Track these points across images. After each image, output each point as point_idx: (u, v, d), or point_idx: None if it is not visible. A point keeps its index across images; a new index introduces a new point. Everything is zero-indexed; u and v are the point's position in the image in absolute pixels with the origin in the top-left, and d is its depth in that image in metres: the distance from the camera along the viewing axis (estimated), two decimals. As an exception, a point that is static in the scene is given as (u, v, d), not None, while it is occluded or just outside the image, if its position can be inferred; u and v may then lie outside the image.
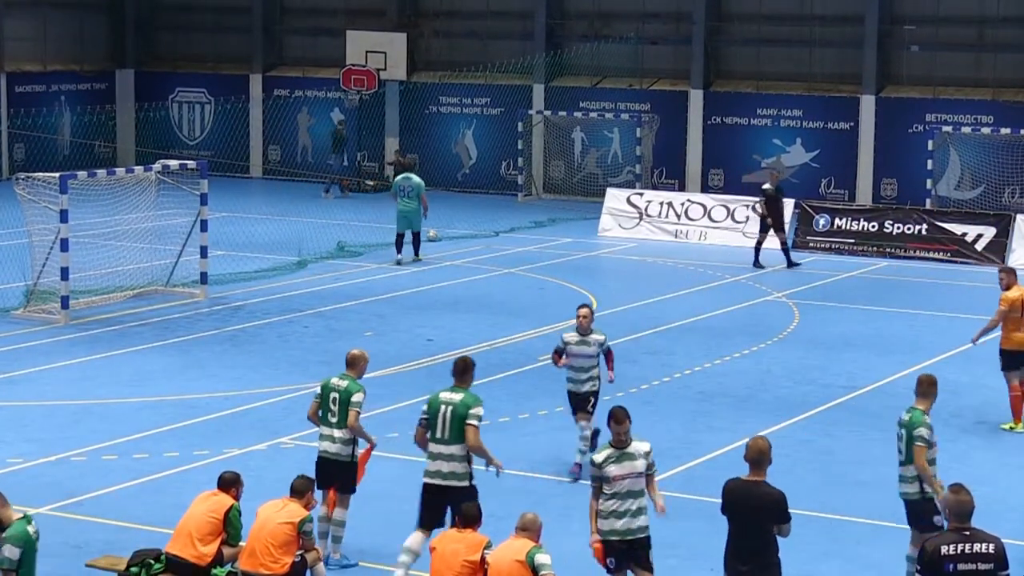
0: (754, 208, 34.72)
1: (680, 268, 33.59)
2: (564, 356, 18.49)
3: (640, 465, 13.48)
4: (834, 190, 40.52)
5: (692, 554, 15.91)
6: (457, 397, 14.72)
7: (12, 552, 11.76)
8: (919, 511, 14.46)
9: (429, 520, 14.53)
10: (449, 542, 12.90)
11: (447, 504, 14.46)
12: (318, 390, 15.74)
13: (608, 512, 13.41)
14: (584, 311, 18.52)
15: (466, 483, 14.59)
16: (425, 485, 14.62)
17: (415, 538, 14.52)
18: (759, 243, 33.81)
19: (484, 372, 23.26)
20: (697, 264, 33.98)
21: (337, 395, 15.48)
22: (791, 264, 33.42)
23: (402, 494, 17.29)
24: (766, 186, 33.78)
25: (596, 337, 18.44)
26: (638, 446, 13.61)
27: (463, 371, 14.88)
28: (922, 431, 14.30)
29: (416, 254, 33.48)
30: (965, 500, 11.28)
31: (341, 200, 43.55)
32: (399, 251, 33.24)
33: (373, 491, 16.24)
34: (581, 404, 18.45)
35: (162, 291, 29.10)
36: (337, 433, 15.44)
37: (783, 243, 33.66)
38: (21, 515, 11.98)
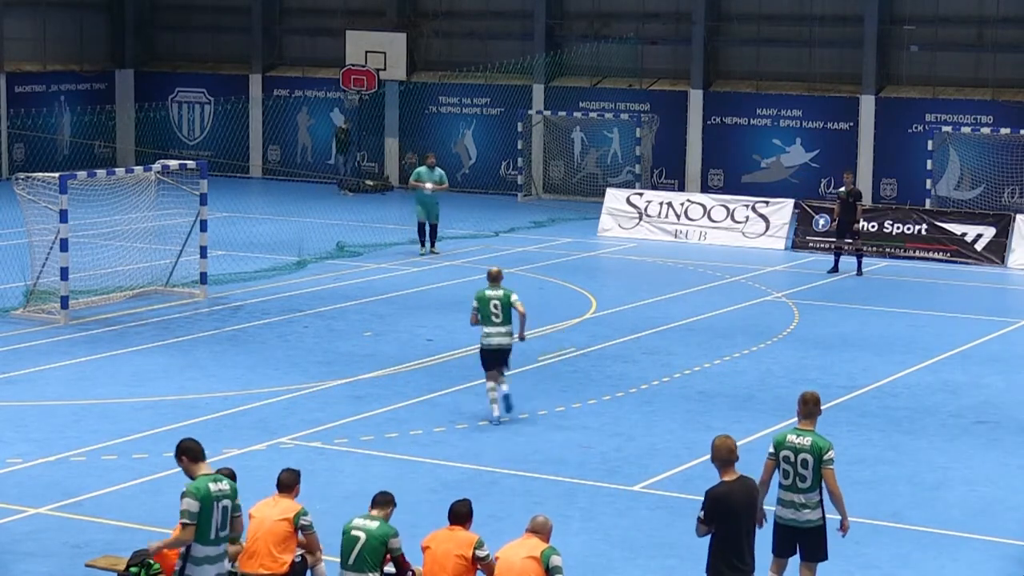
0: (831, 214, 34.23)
1: (680, 268, 33.60)
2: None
3: None
4: (834, 190, 40.39)
5: (691, 554, 15.89)
6: None
7: None
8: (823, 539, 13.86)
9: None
10: (441, 541, 12.93)
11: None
12: (475, 303, 20.77)
13: None
14: None
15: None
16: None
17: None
18: (837, 248, 33.20)
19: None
20: (697, 264, 33.98)
21: (498, 301, 20.73)
22: (859, 272, 32.74)
23: (402, 493, 17.32)
24: (840, 189, 33.35)
25: None
26: None
27: None
28: (832, 453, 13.63)
29: (432, 245, 34.41)
30: None
31: (341, 200, 43.54)
32: (422, 243, 34.56)
33: (373, 490, 16.24)
34: None
35: (162, 291, 29.09)
36: (500, 329, 20.70)
37: (856, 249, 32.82)
38: None
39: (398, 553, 12.87)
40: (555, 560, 12.54)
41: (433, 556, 12.88)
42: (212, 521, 12.15)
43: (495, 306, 20.64)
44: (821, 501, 13.69)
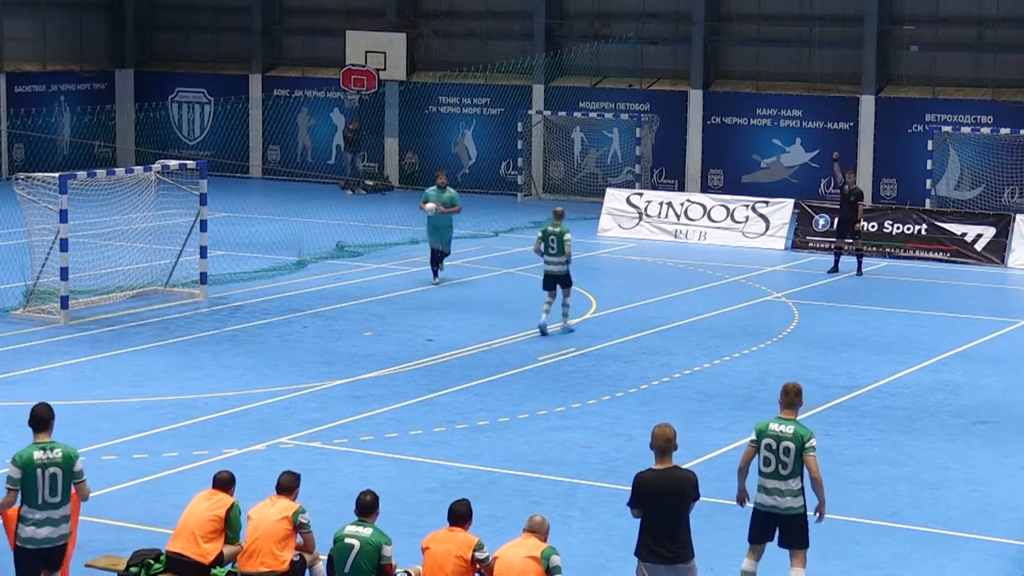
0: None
1: (680, 268, 33.60)
2: None
3: None
4: (834, 190, 40.41)
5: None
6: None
7: None
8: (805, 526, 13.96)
9: None
10: (441, 542, 12.94)
11: None
12: (540, 234, 26.18)
13: None
14: None
15: None
16: None
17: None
18: (837, 248, 33.14)
19: (483, 372, 23.41)
20: (697, 264, 33.98)
21: (555, 236, 25.72)
22: (859, 271, 32.73)
23: (402, 493, 17.32)
24: (844, 186, 33.24)
25: None
26: None
27: None
28: (814, 441, 13.78)
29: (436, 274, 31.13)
30: None
31: (341, 200, 43.56)
32: (435, 272, 31.09)
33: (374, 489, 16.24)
34: None
35: (162, 291, 29.09)
36: (555, 259, 25.78)
37: (856, 249, 32.84)
38: None
39: (387, 562, 12.85)
40: (555, 560, 12.57)
41: (433, 556, 12.89)
42: (37, 486, 13.07)
43: (552, 240, 25.84)
44: (802, 489, 13.76)
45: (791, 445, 13.68)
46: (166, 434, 19.90)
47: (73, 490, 13.51)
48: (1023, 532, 16.72)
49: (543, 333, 26.05)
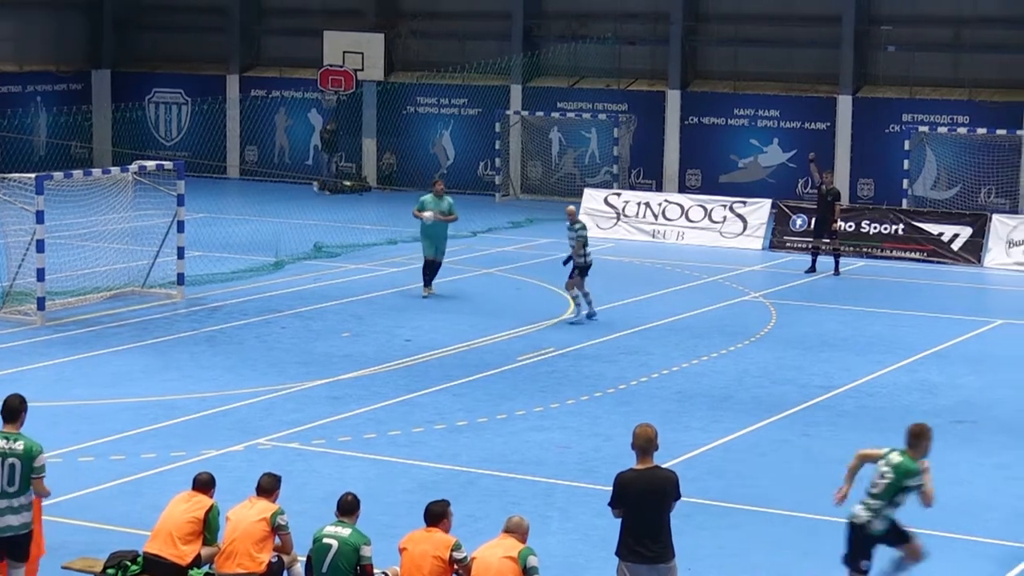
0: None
1: (657, 268, 33.62)
2: None
3: None
4: (811, 190, 40.49)
5: (670, 554, 15.87)
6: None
7: None
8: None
9: None
10: (418, 543, 12.94)
11: None
12: (581, 239, 27.17)
13: None
14: None
15: None
16: None
17: None
18: (815, 248, 33.12)
19: (462, 372, 23.39)
20: (674, 264, 34.01)
21: (581, 237, 27.30)
22: (837, 271, 32.75)
23: (380, 493, 17.30)
24: (821, 186, 33.26)
25: None
26: None
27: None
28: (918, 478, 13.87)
29: (429, 284, 29.80)
30: None
31: (318, 200, 43.50)
32: (427, 283, 29.81)
33: (351, 490, 16.21)
34: None
35: (139, 292, 29.02)
36: (579, 252, 27.18)
37: (834, 249, 32.81)
38: None
39: (367, 562, 12.85)
40: (532, 560, 12.57)
41: (410, 557, 12.88)
42: None
43: (580, 242, 27.45)
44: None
45: (889, 472, 13.82)
46: (144, 435, 19.84)
47: (37, 497, 13.56)
48: (1004, 532, 16.75)
49: (592, 317, 27.67)
